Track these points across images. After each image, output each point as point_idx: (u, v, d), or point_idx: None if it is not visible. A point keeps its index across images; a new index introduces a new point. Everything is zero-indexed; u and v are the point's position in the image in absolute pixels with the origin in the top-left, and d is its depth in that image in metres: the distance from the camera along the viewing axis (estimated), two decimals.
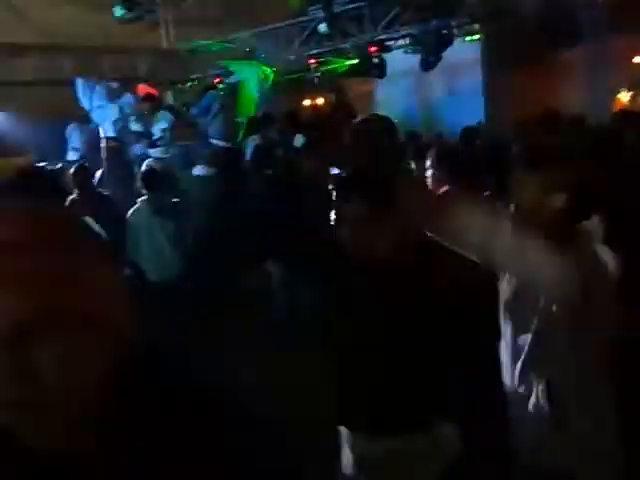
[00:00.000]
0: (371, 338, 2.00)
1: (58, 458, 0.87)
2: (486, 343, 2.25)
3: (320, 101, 14.36)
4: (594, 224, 2.39)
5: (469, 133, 7.08)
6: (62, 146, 9.17)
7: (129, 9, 5.34)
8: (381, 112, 12.90)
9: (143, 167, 6.74)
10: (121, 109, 8.85)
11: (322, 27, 8.15)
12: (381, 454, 2.04)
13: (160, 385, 0.96)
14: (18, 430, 0.85)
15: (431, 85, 12.13)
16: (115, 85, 9.27)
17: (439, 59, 9.67)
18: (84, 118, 9.04)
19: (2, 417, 0.83)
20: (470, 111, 10.38)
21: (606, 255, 2.02)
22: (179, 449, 0.91)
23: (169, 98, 10.71)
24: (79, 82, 9.01)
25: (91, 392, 0.86)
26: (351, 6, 10.02)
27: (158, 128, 8.25)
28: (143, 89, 9.76)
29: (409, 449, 2.02)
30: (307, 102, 14.20)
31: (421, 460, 2.03)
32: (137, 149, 8.70)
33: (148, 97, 9.11)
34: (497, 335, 2.21)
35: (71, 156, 8.92)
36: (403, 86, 12.35)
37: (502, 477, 2.44)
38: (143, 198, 5.27)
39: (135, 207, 5.35)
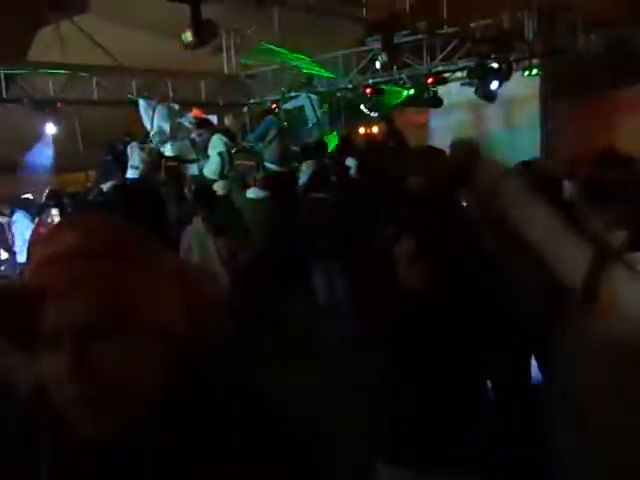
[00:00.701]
0: (421, 368, 2.00)
1: (111, 450, 0.91)
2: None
3: (375, 129, 14.45)
4: None
5: (525, 168, 6.99)
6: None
7: (197, 35, 5.54)
8: (435, 143, 12.94)
9: (197, 187, 6.91)
10: (180, 129, 9.08)
11: (382, 58, 8.24)
12: None
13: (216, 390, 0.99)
14: (75, 422, 0.89)
15: (487, 118, 12.09)
16: (176, 107, 9.53)
17: (496, 93, 9.65)
18: (145, 137, 9.31)
19: (62, 409, 0.89)
20: (526, 146, 10.29)
21: None
22: (223, 450, 0.94)
23: (228, 121, 10.93)
24: (141, 103, 9.29)
25: (147, 390, 0.91)
26: (409, 38, 10.11)
27: (212, 151, 8.43)
28: (198, 114, 10.02)
29: None
30: (362, 130, 14.33)
31: None
32: (193, 169, 8.92)
33: (203, 122, 9.35)
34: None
35: (130, 174, 9.18)
36: (458, 118, 12.35)
37: None
38: (197, 217, 5.40)
39: (189, 225, 5.48)
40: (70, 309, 0.86)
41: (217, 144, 8.37)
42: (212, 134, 8.72)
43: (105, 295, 0.87)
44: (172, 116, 9.19)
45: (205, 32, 5.50)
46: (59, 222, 0.89)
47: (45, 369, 0.88)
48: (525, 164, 7.19)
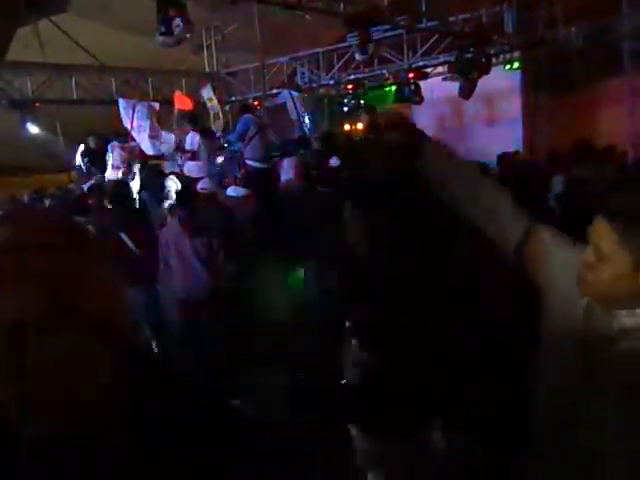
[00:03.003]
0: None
1: (55, 448, 0.88)
2: None
3: (359, 125, 14.47)
4: None
5: (505, 160, 7.04)
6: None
7: (168, 34, 5.52)
8: None
9: (174, 185, 6.88)
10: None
11: (358, 54, 8.24)
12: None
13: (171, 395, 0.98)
14: (12, 419, 0.86)
15: (469, 113, 12.12)
16: (156, 105, 9.48)
17: (475, 86, 9.67)
18: (125, 136, 9.26)
19: (4, 408, 0.85)
20: (508, 139, 10.33)
21: None
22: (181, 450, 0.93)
23: (209, 119, 10.91)
24: (121, 102, 9.23)
25: (90, 390, 0.88)
26: (389, 34, 10.12)
27: (188, 148, 8.39)
28: (180, 98, 9.97)
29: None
30: (347, 127, 14.35)
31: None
32: (170, 166, 8.89)
33: (184, 113, 9.34)
34: None
35: (111, 174, 9.13)
36: (441, 113, 12.37)
37: None
38: (175, 215, 5.38)
39: (167, 223, 5.46)
40: (4, 303, 0.82)
41: (191, 140, 8.32)
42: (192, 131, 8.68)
43: (42, 288, 0.83)
44: (152, 114, 9.13)
45: (179, 31, 5.48)
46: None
47: None
48: (502, 157, 7.28)
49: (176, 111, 9.75)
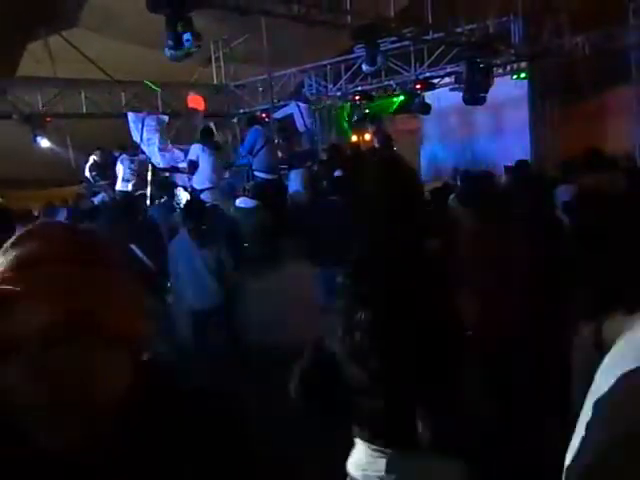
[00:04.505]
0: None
1: (70, 460, 0.89)
2: None
3: (367, 137, 14.51)
4: None
5: (512, 171, 7.03)
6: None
7: (177, 48, 5.57)
8: (427, 148, 12.92)
9: (184, 197, 6.90)
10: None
11: (366, 66, 8.28)
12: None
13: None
14: (34, 430, 0.87)
15: (477, 123, 12.14)
16: (166, 118, 9.54)
17: (484, 97, 9.68)
18: (132, 149, 9.34)
19: (20, 417, 0.87)
20: (516, 149, 10.33)
21: None
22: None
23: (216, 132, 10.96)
24: (130, 115, 9.29)
25: (109, 401, 0.89)
26: (396, 45, 10.16)
27: (190, 159, 8.39)
28: (193, 99, 10.03)
29: None
30: (354, 138, 14.39)
31: None
32: (180, 179, 8.94)
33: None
34: None
35: (122, 187, 9.20)
36: (449, 123, 12.41)
37: None
38: (184, 227, 5.41)
39: (177, 236, 5.49)
40: (29, 316, 0.84)
41: (193, 152, 8.34)
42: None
43: (67, 301, 0.85)
44: (161, 127, 9.19)
45: (188, 44, 5.53)
46: (22, 231, 0.88)
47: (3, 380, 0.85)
48: (509, 168, 7.26)
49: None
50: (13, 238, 0.94)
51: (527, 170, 7.30)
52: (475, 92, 9.44)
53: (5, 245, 0.92)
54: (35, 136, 9.72)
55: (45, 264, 0.87)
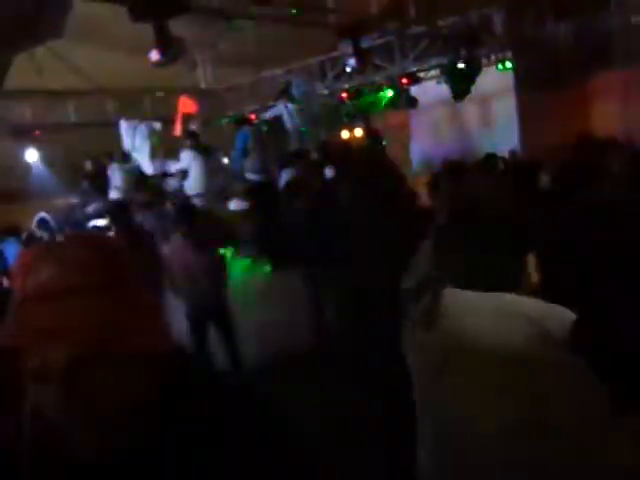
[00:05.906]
0: None
1: (103, 461, 0.93)
2: None
3: (358, 133, 14.51)
4: None
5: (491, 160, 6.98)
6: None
7: (163, 54, 5.59)
8: (417, 142, 12.91)
9: (179, 203, 6.93)
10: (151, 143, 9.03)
11: (351, 62, 8.31)
12: None
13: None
14: (69, 432, 0.92)
15: (465, 114, 12.18)
16: (158, 125, 9.53)
17: (469, 88, 9.72)
18: (121, 158, 9.33)
19: (59, 422, 0.91)
20: (504, 139, 10.38)
21: None
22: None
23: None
24: (122, 123, 9.30)
25: (136, 410, 0.93)
26: (380, 40, 10.18)
27: (181, 166, 8.40)
28: (184, 102, 10.00)
29: None
30: (345, 135, 14.37)
31: None
32: (172, 184, 8.95)
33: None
34: None
35: (113, 195, 9.20)
36: (437, 116, 12.44)
37: None
38: (177, 233, 5.43)
39: (170, 241, 5.52)
40: (57, 343, 0.88)
41: (184, 159, 8.35)
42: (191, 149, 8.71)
43: (93, 328, 0.89)
44: (153, 135, 9.20)
45: (171, 50, 5.55)
46: (37, 250, 0.90)
47: (38, 402, 0.90)
48: (489, 157, 7.23)
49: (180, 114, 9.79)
50: (30, 258, 0.97)
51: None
52: (461, 85, 9.48)
53: (22, 262, 0.94)
54: (24, 149, 9.71)
55: (70, 296, 0.91)
